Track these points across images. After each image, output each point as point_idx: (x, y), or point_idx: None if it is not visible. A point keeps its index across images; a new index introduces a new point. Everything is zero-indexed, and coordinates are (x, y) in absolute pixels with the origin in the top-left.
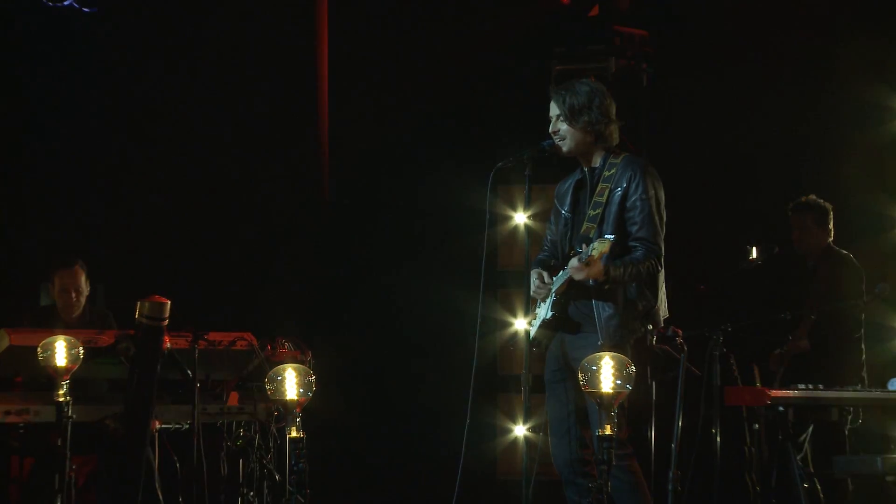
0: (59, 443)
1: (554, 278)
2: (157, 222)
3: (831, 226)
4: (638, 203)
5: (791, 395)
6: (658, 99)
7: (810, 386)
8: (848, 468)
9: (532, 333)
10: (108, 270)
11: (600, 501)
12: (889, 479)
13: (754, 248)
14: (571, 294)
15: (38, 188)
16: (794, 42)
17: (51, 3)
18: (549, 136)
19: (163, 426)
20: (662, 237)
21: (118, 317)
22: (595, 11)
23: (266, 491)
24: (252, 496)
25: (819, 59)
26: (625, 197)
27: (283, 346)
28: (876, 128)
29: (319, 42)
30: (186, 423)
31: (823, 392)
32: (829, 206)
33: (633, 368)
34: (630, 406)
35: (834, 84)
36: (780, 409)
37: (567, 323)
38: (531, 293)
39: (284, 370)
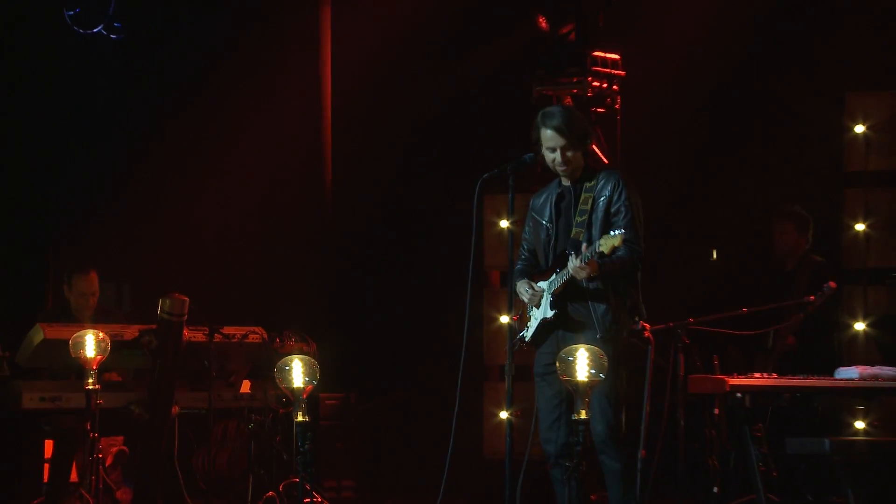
0: (89, 426)
1: (543, 283)
2: (176, 228)
3: (810, 234)
4: (622, 209)
5: (747, 383)
6: (628, 116)
7: (765, 375)
8: (798, 450)
9: (529, 333)
10: (132, 271)
11: (577, 479)
12: (836, 458)
13: (714, 252)
14: (567, 295)
15: (74, 201)
16: (751, 63)
17: (82, 31)
18: (529, 150)
19: (182, 411)
20: (643, 239)
21: (143, 313)
22: (568, 30)
23: (275, 469)
24: (263, 474)
25: (775, 78)
26: (609, 203)
27: (291, 339)
28: (827, 142)
29: (324, 66)
30: (203, 409)
31: (777, 380)
32: (809, 216)
33: (606, 360)
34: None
35: (789, 101)
36: (738, 395)
37: (566, 321)
38: (526, 301)
39: (291, 361)
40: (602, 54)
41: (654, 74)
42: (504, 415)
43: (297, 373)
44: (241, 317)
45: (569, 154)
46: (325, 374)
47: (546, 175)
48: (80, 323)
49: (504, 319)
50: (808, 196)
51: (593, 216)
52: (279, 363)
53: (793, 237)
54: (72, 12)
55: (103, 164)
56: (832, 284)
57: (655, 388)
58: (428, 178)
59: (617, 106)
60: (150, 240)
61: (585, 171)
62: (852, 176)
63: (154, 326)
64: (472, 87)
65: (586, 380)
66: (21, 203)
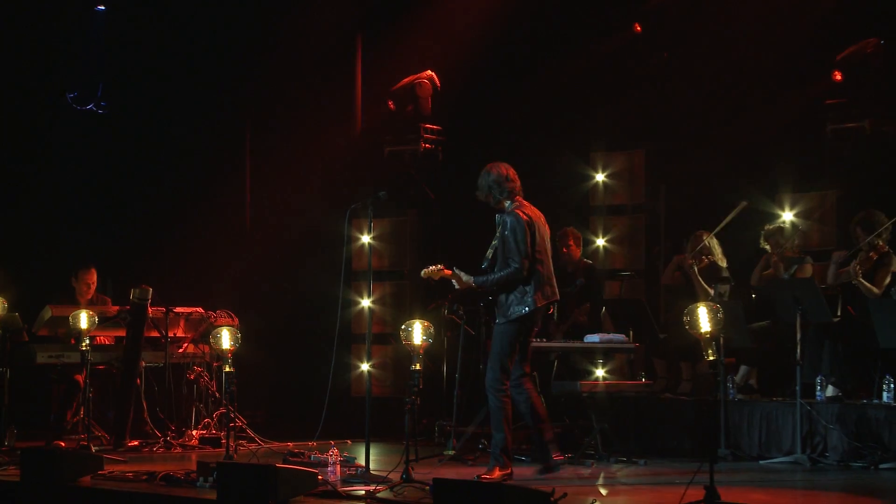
0: (83, 375)
1: None
2: (144, 240)
3: (581, 246)
4: (508, 238)
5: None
6: (448, 167)
7: (537, 340)
8: (560, 389)
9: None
10: (115, 269)
11: (413, 410)
12: (584, 395)
13: None
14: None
15: (73, 222)
16: (531, 130)
17: (78, 108)
18: (383, 189)
19: (147, 365)
20: (521, 257)
21: (119, 299)
22: (410, 108)
23: (210, 404)
24: (202, 407)
25: (541, 141)
26: (503, 234)
27: (221, 315)
28: (578, 185)
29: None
30: (161, 363)
31: (545, 343)
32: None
33: (432, 329)
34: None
35: (552, 157)
36: None
37: (493, 308)
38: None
39: (221, 330)
40: (430, 126)
41: (465, 142)
42: (365, 367)
43: (226, 338)
44: (187, 300)
45: (483, 200)
46: (245, 340)
47: (396, 208)
48: (80, 305)
49: (365, 303)
50: (567, 222)
51: (498, 242)
52: (213, 332)
53: (572, 248)
54: (71, 95)
55: (95, 193)
56: (582, 280)
57: (467, 347)
58: (318, 209)
59: (440, 159)
60: (126, 247)
61: (502, 211)
62: (595, 208)
63: (128, 307)
64: (344, 147)
65: (420, 343)
66: (36, 220)
